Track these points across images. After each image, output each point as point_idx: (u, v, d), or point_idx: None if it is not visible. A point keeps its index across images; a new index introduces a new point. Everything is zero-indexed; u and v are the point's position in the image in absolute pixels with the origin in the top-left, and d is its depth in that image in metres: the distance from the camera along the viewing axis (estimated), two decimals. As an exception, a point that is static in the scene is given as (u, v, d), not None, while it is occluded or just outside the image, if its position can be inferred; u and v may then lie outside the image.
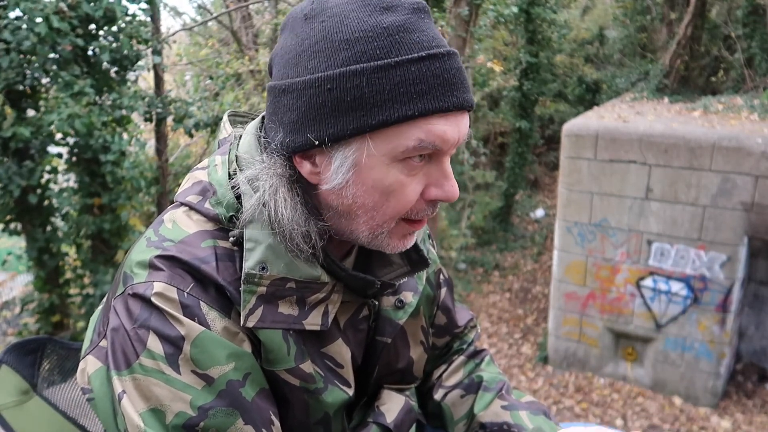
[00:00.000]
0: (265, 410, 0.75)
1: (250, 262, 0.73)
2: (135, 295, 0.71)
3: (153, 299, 0.70)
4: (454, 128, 0.71)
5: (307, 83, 0.70)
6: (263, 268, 0.73)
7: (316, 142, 0.70)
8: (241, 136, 0.83)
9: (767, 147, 5.52)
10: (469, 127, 0.76)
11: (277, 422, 0.76)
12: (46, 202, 5.23)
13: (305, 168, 0.74)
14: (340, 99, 0.68)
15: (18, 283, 9.80)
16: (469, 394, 1.04)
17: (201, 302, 0.72)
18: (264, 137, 0.78)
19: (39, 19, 4.46)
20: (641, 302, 6.51)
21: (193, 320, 0.70)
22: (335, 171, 0.72)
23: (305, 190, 0.76)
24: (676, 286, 6.25)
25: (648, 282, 6.41)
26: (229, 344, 0.72)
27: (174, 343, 0.69)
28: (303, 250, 0.75)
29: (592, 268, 6.68)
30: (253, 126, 0.82)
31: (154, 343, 0.68)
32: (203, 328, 0.70)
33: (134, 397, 0.68)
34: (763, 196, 5.60)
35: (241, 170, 0.77)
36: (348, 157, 0.71)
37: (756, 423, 6.13)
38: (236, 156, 0.79)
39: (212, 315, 0.72)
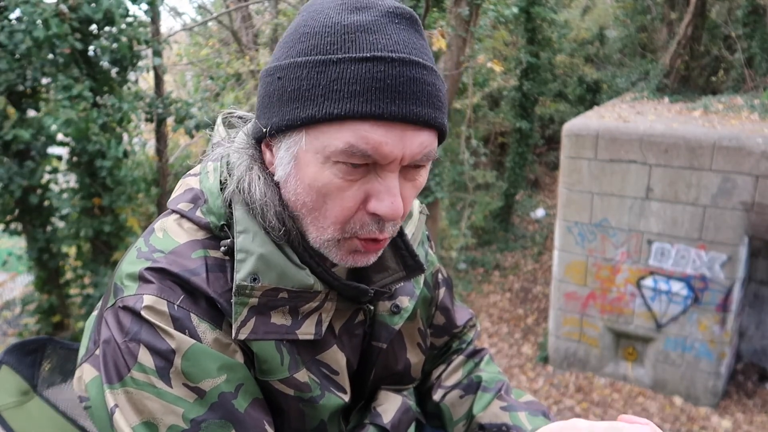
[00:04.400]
0: (259, 421, 0.74)
1: (241, 274, 0.72)
2: (125, 308, 0.70)
3: (143, 312, 0.69)
4: (395, 142, 0.66)
5: (267, 71, 0.72)
6: (255, 279, 0.72)
7: (264, 130, 0.72)
8: (234, 139, 0.83)
9: (767, 147, 5.52)
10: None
11: None
12: (46, 203, 5.23)
13: (267, 157, 0.76)
14: (284, 89, 0.69)
15: (18, 284, 9.80)
16: (468, 394, 1.03)
17: (191, 314, 0.71)
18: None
19: (39, 22, 4.45)
20: (641, 302, 6.51)
21: (184, 333, 0.69)
22: (280, 161, 0.73)
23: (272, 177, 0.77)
24: (677, 286, 6.25)
25: (648, 282, 6.41)
26: (221, 356, 0.71)
27: (165, 357, 0.68)
28: (275, 228, 0.74)
29: (592, 268, 6.68)
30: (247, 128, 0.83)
31: (144, 357, 0.68)
32: (194, 341, 0.69)
33: (127, 410, 0.68)
34: (763, 196, 5.60)
35: (232, 178, 0.77)
36: (289, 149, 0.71)
37: (756, 423, 6.13)
38: (227, 163, 0.79)
39: (203, 327, 0.71)
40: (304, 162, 0.70)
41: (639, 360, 6.77)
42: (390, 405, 0.93)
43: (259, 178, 0.75)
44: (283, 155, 0.71)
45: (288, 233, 0.75)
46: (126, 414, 0.68)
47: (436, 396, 1.05)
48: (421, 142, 0.68)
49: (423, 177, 0.75)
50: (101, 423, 0.71)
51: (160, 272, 0.72)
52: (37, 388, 0.97)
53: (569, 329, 7.05)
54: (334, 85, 0.65)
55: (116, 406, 0.68)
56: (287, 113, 0.68)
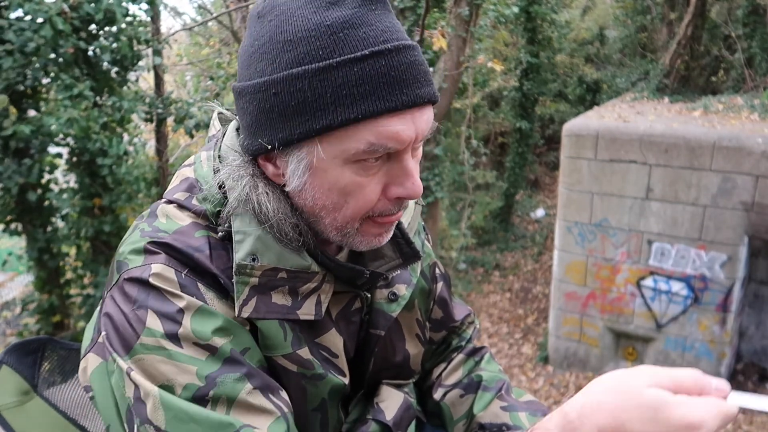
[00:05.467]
0: (270, 379, 0.74)
1: (240, 254, 0.73)
2: (131, 279, 0.71)
3: (151, 280, 0.70)
4: (409, 126, 0.69)
5: (255, 87, 0.69)
6: (254, 259, 0.73)
7: (269, 147, 0.70)
8: (226, 132, 0.83)
9: (767, 147, 5.52)
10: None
11: (284, 391, 0.76)
12: (46, 203, 5.22)
13: (269, 170, 0.75)
14: (285, 103, 0.67)
15: (18, 284, 9.79)
16: (468, 393, 1.04)
17: (198, 283, 0.72)
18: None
19: (40, 19, 4.46)
20: (642, 302, 6.51)
21: (192, 297, 0.70)
22: (292, 174, 0.72)
23: (280, 187, 0.77)
24: (677, 286, 6.25)
25: (648, 282, 6.41)
26: (228, 319, 0.72)
27: (173, 319, 0.69)
28: (293, 239, 0.75)
29: (592, 268, 6.68)
30: (235, 123, 0.83)
31: (153, 322, 0.68)
32: (202, 303, 0.71)
33: (140, 378, 0.67)
34: (763, 196, 5.60)
35: (223, 168, 0.77)
36: (301, 161, 0.70)
37: (756, 423, 6.13)
38: (219, 154, 0.80)
39: (210, 295, 0.72)
40: (321, 169, 0.70)
41: (639, 360, 6.77)
42: (392, 402, 0.94)
43: (267, 194, 0.74)
44: (296, 167, 0.71)
45: (306, 244, 0.77)
46: (141, 383, 0.67)
47: (437, 395, 1.05)
48: (427, 119, 0.71)
49: (421, 148, 0.77)
50: (107, 410, 0.71)
51: (166, 246, 0.73)
52: (37, 388, 0.97)
53: (569, 329, 7.05)
54: (341, 90, 0.65)
55: (131, 369, 0.67)
56: (296, 127, 0.68)
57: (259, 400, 0.70)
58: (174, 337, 0.68)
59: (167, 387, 0.67)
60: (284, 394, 0.75)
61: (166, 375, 0.67)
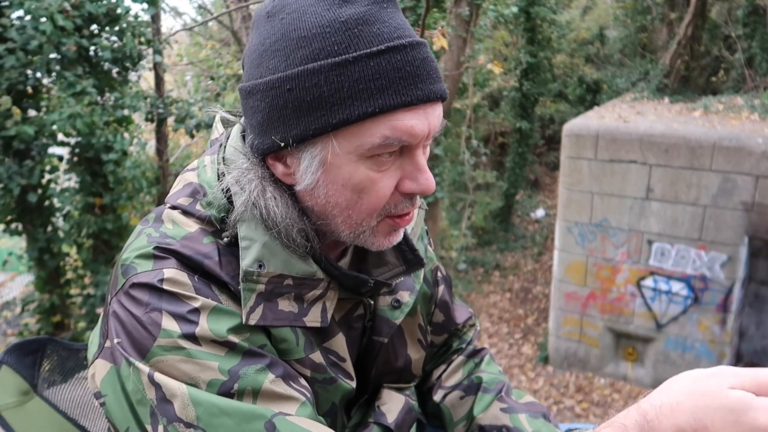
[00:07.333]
0: (289, 367, 0.74)
1: (247, 260, 0.72)
2: (139, 285, 0.70)
3: (164, 285, 0.69)
4: (422, 121, 0.69)
5: (268, 84, 0.69)
6: (260, 266, 0.72)
7: (282, 144, 0.70)
8: (230, 135, 0.83)
9: (767, 147, 5.53)
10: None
11: (302, 379, 0.76)
12: (47, 202, 5.22)
13: (278, 170, 0.75)
14: (300, 99, 0.67)
15: (18, 284, 9.80)
16: (468, 395, 1.04)
17: (212, 285, 0.72)
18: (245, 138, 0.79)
19: (43, 19, 4.47)
20: (642, 302, 6.51)
21: (207, 298, 0.70)
22: (304, 171, 0.72)
23: (288, 190, 0.76)
24: (677, 286, 6.25)
25: (648, 282, 6.41)
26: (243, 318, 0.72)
27: (189, 319, 0.68)
28: (300, 245, 0.75)
29: (592, 268, 6.68)
30: (239, 126, 0.82)
31: (168, 323, 0.67)
32: (216, 303, 0.70)
33: (164, 378, 0.66)
34: (763, 196, 5.60)
35: (228, 171, 0.77)
36: (315, 157, 0.70)
37: (756, 423, 6.13)
38: (224, 157, 0.79)
39: (224, 297, 0.72)
40: (335, 165, 0.70)
41: (639, 360, 6.77)
42: (394, 404, 0.94)
43: (275, 199, 0.74)
44: (308, 164, 0.71)
45: (312, 249, 0.77)
46: (165, 384, 0.66)
47: (437, 397, 1.05)
48: (438, 114, 0.72)
49: (429, 147, 0.77)
50: (121, 414, 0.68)
51: (174, 253, 0.72)
52: (37, 388, 0.97)
53: (569, 329, 7.05)
54: (358, 84, 0.66)
55: (153, 371, 0.67)
56: (312, 122, 0.67)
57: (283, 388, 0.70)
58: (191, 337, 0.67)
59: (191, 385, 0.66)
60: (303, 381, 0.75)
61: (188, 374, 0.66)
